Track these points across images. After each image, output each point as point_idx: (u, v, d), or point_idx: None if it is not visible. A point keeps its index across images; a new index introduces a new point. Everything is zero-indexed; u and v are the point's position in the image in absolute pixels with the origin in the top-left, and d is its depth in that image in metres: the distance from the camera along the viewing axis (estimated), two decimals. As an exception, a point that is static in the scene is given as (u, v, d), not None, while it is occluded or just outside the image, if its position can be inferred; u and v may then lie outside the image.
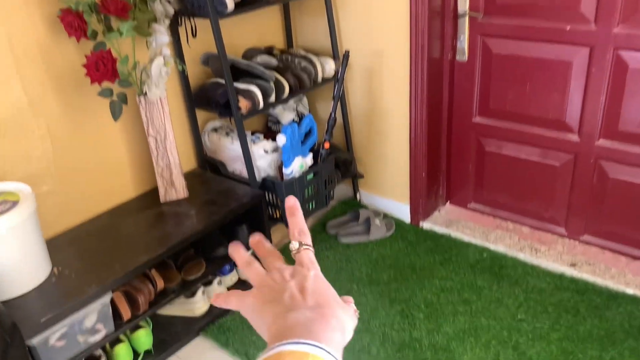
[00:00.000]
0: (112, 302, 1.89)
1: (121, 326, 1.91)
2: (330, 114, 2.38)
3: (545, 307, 2.13)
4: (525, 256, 2.40)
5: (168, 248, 1.95)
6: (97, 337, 1.85)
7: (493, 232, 2.57)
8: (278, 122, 2.71)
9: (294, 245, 0.59)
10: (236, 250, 0.62)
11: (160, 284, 2.03)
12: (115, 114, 1.93)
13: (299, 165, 2.31)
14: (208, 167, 2.55)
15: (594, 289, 2.20)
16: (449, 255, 2.48)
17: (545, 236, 2.51)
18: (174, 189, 2.26)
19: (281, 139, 2.24)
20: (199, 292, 2.19)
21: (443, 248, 2.53)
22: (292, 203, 0.62)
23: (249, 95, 2.20)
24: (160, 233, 2.05)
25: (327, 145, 2.37)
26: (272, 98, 2.31)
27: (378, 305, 2.23)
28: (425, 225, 2.71)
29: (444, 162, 2.71)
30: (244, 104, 2.16)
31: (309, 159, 2.36)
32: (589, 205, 2.36)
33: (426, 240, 2.60)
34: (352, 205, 2.91)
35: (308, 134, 2.36)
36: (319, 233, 2.73)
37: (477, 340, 2.01)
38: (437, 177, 2.71)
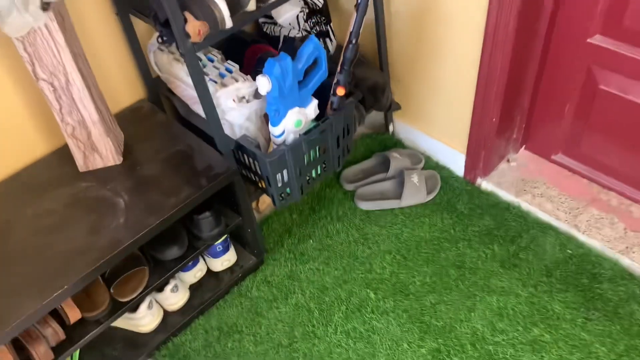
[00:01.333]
0: (-5, 356, 1.25)
1: (13, 388, 1.29)
2: (349, 40, 1.41)
3: (659, 371, 1.40)
4: (633, 263, 1.59)
5: (76, 282, 1.23)
6: (-25, 411, 1.24)
7: (586, 211, 1.72)
8: (273, 21, 1.74)
9: None
10: None
11: (74, 315, 1.35)
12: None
13: (293, 122, 1.43)
14: (163, 97, 1.69)
15: None
16: (517, 247, 1.68)
17: (668, 228, 1.66)
18: (97, 154, 1.45)
19: (263, 84, 1.34)
20: (144, 306, 1.52)
21: (509, 231, 1.72)
22: None
23: (204, 8, 1.25)
24: (67, 246, 1.30)
25: (341, 90, 1.45)
26: (251, 5, 1.35)
27: (403, 335, 1.52)
28: (486, 185, 1.86)
29: (528, 96, 1.75)
30: (194, 26, 1.23)
31: (311, 109, 1.47)
32: None
33: (484, 214, 1.78)
34: (382, 142, 2.04)
35: (312, 67, 1.43)
36: (330, 187, 1.93)
37: None
38: (513, 116, 1.78)
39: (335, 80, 1.45)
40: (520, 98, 1.73)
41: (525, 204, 1.78)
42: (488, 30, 1.51)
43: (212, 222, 1.49)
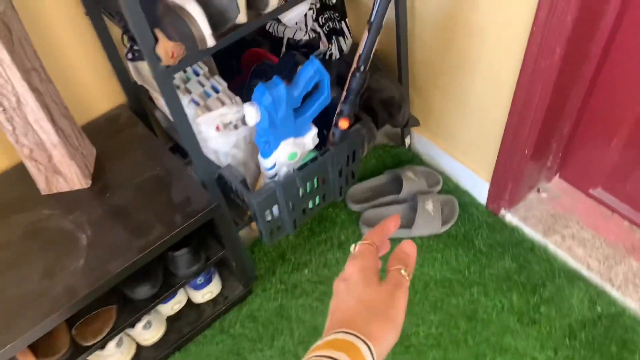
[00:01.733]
0: None
1: None
2: (356, 67, 1.16)
3: None
4: (673, 332, 1.38)
5: (21, 339, 1.07)
6: None
7: (624, 262, 1.49)
8: (278, 20, 1.50)
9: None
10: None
11: (28, 362, 1.21)
12: None
13: (287, 154, 1.22)
14: (145, 104, 1.47)
15: None
16: (539, 298, 1.47)
17: None
18: (61, 177, 1.26)
19: (251, 114, 1.12)
20: (112, 344, 1.36)
21: (531, 278, 1.51)
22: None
23: (178, 26, 1.02)
24: (17, 290, 1.13)
25: (344, 122, 1.21)
26: (241, 17, 1.11)
27: (399, 397, 1.35)
28: (510, 217, 1.63)
29: (570, 122, 1.50)
30: (165, 48, 1.01)
31: (309, 139, 1.25)
32: None
33: (505, 253, 1.57)
34: (396, 156, 1.81)
35: (312, 91, 1.20)
36: (333, 206, 1.72)
37: None
38: (549, 144, 1.53)
39: (338, 110, 1.22)
40: (560, 124, 1.48)
41: (552, 246, 1.55)
42: (529, 53, 1.24)
43: (190, 259, 1.31)
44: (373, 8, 1.12)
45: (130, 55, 1.15)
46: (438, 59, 1.51)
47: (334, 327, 0.49)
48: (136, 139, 1.38)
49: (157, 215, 1.22)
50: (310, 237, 1.65)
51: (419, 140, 1.77)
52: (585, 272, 1.50)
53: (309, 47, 1.51)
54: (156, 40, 1.01)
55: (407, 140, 1.77)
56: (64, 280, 1.13)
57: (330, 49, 1.58)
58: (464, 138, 1.61)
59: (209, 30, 1.04)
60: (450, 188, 1.72)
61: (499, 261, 1.55)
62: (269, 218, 1.31)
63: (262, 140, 1.18)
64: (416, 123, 1.64)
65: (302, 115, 1.20)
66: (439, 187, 1.70)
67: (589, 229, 1.57)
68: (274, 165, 1.23)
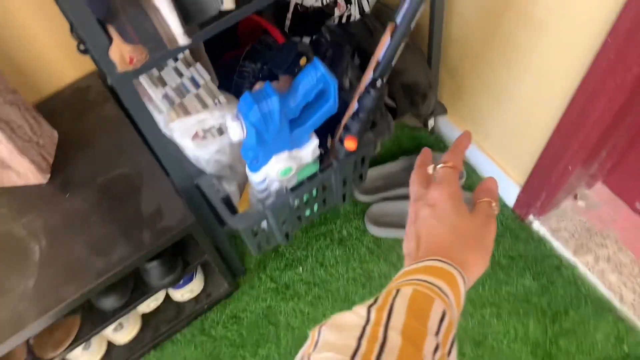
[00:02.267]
0: None
1: None
2: (371, 82, 0.89)
3: None
4: None
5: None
6: None
7: (663, 296, 1.30)
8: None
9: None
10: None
11: (-21, 377, 1.08)
12: None
13: (279, 171, 1.00)
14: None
15: None
16: (559, 329, 1.30)
17: None
18: (12, 171, 1.06)
19: (235, 131, 0.89)
20: (78, 348, 1.24)
21: (553, 303, 1.33)
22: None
23: (141, 22, 0.77)
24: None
25: (350, 142, 0.97)
26: (226, 3, 0.84)
27: None
28: (538, 226, 1.42)
29: (628, 136, 1.23)
30: (120, 52, 0.76)
31: (308, 152, 1.02)
32: None
33: (527, 270, 1.38)
34: (416, 139, 1.57)
35: (317, 98, 0.96)
36: (338, 195, 1.51)
37: None
38: (598, 154, 1.28)
39: (344, 123, 0.97)
40: (616, 138, 1.22)
41: (583, 267, 1.36)
42: (596, 67, 0.97)
43: (164, 270, 1.14)
44: (401, 5, 0.84)
45: (80, 48, 0.90)
46: (478, 42, 1.22)
47: (425, 254, 0.48)
48: (105, 123, 1.16)
49: (122, 228, 1.03)
50: (308, 228, 1.47)
51: (445, 124, 1.52)
52: (616, 303, 1.31)
53: (321, 15, 1.23)
54: (110, 40, 0.77)
55: (431, 122, 1.52)
56: (11, 305, 0.98)
57: (349, 10, 1.30)
58: (496, 133, 1.37)
59: (181, 28, 0.79)
60: (474, 183, 1.49)
61: (519, 278, 1.37)
62: (256, 233, 1.12)
63: (250, 155, 0.96)
64: (443, 111, 1.38)
65: (300, 126, 0.96)
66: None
67: (628, 252, 1.36)
68: (264, 179, 1.02)
